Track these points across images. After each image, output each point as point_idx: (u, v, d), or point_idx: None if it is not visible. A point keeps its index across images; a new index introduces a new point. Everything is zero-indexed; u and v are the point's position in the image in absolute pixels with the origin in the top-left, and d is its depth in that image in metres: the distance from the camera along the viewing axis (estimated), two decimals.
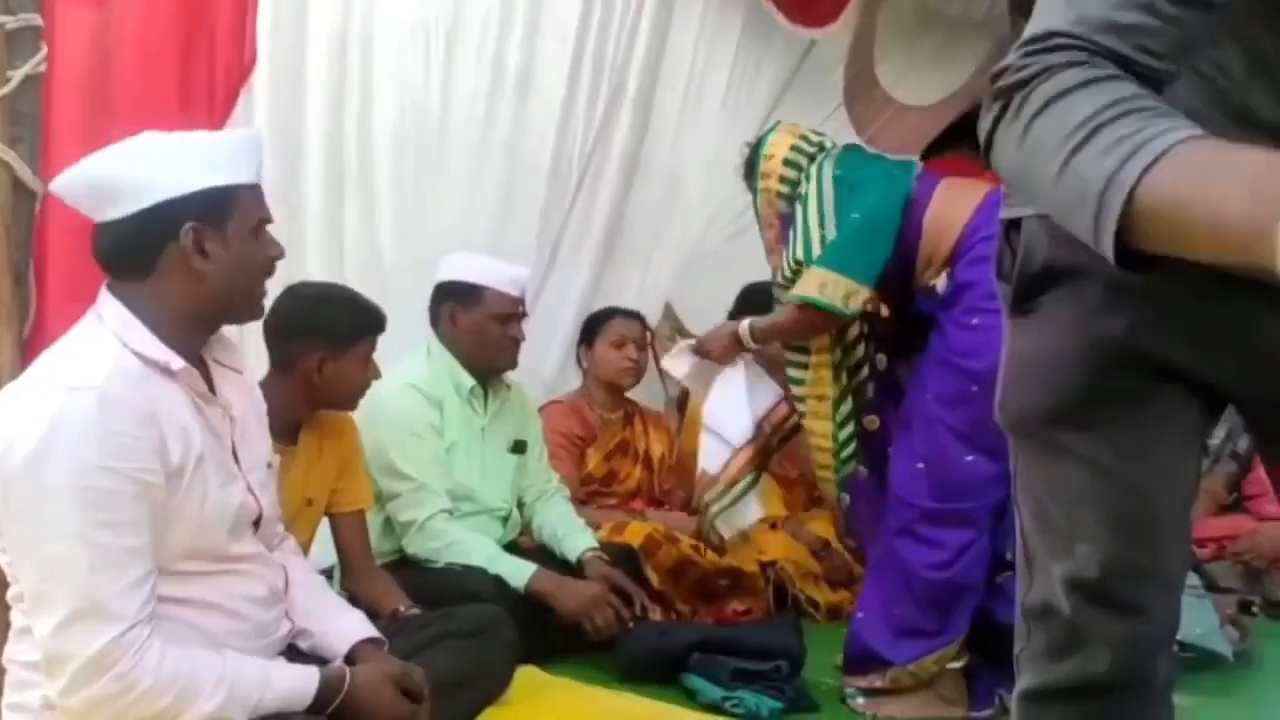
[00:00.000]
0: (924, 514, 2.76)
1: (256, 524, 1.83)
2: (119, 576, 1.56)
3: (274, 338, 2.46)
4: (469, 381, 3.09)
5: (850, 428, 3.02)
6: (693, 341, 3.37)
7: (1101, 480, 1.34)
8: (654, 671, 2.89)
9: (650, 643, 2.95)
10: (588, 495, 3.65)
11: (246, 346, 2.70)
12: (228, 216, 1.72)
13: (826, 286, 2.82)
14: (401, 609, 2.42)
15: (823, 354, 2.99)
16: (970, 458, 2.69)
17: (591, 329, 3.77)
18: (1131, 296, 1.28)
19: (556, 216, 3.90)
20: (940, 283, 2.81)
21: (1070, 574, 1.36)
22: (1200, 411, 1.36)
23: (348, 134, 3.40)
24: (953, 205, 2.83)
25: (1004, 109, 1.05)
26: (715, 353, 3.25)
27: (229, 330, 1.93)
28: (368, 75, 3.40)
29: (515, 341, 3.12)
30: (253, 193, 1.77)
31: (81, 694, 1.56)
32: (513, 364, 3.17)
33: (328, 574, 2.72)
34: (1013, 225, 1.38)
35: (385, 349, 2.68)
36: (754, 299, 3.75)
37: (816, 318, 2.89)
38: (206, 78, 2.88)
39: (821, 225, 2.88)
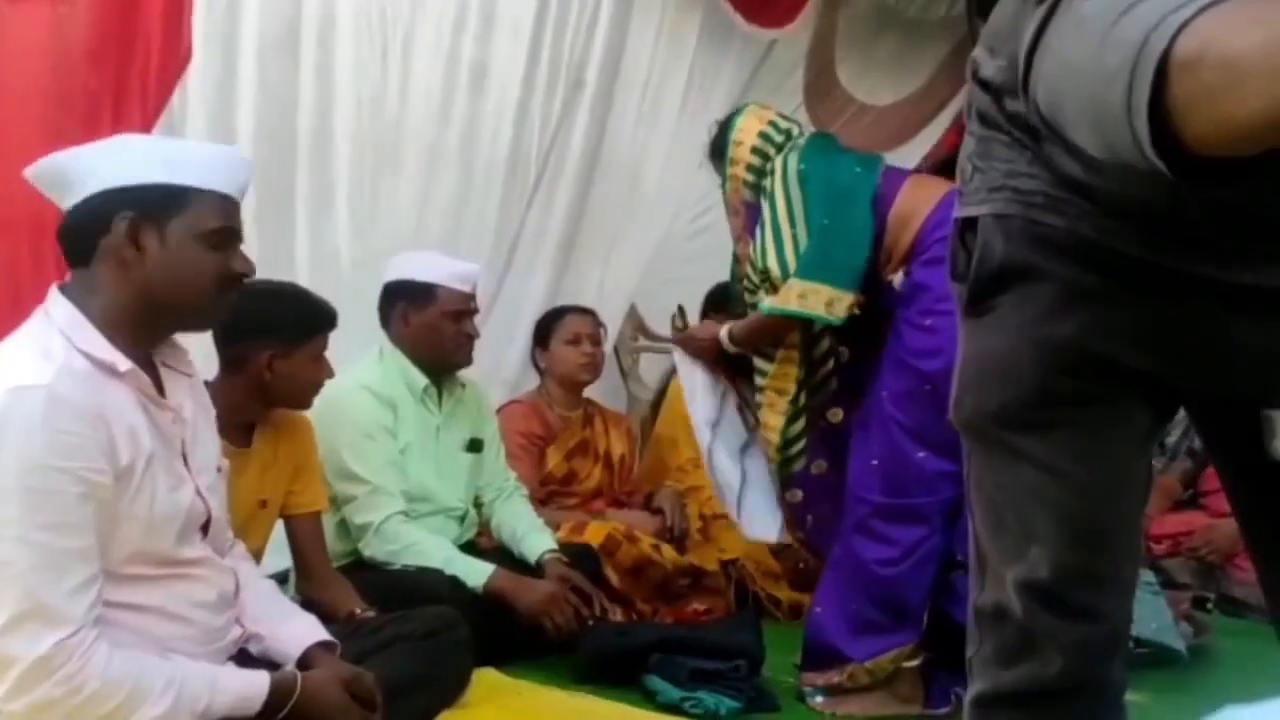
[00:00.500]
0: (876, 509, 2.77)
1: (205, 528, 1.81)
2: (64, 578, 1.54)
3: (223, 337, 2.43)
4: (422, 381, 3.07)
5: (800, 425, 3.00)
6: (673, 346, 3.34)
7: (1054, 482, 1.33)
8: (613, 672, 2.88)
9: (609, 643, 2.94)
10: (547, 495, 3.63)
11: (192, 346, 2.68)
12: (172, 215, 1.70)
13: (806, 298, 2.79)
14: (357, 611, 2.40)
15: (791, 349, 2.96)
16: (921, 454, 2.71)
17: (545, 328, 3.75)
18: (1083, 298, 1.27)
19: (514, 214, 3.89)
20: (898, 279, 2.82)
21: (1022, 577, 1.35)
22: (1152, 413, 1.36)
23: (301, 131, 3.37)
24: (915, 201, 2.83)
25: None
26: (694, 352, 3.22)
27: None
28: (325, 71, 3.37)
29: (469, 338, 3.10)
30: (214, 201, 1.73)
31: (26, 698, 1.53)
32: (467, 361, 3.15)
33: (283, 578, 2.71)
34: (968, 225, 1.36)
35: (344, 348, 2.66)
36: (721, 298, 3.76)
37: (795, 322, 2.87)
38: (140, 72, 2.85)
39: (792, 225, 2.85)
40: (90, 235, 1.69)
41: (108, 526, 1.61)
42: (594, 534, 3.35)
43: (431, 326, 3.05)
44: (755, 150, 2.98)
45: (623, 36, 4.05)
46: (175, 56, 2.82)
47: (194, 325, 1.86)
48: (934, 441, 2.68)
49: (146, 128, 2.79)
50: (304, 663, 1.88)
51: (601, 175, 4.13)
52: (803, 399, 2.98)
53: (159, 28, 2.72)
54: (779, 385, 3.00)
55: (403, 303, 3.07)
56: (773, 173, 2.91)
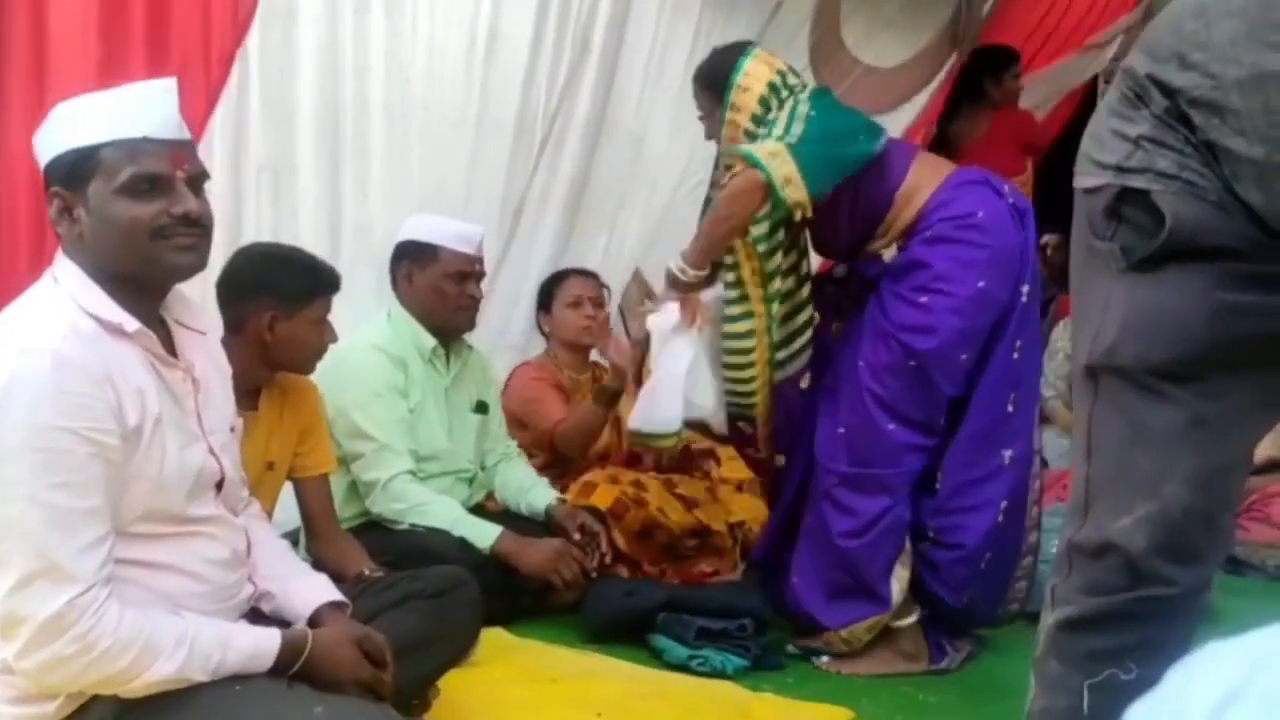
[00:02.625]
0: (842, 479, 2.78)
1: (219, 486, 1.82)
2: (74, 537, 1.55)
3: (225, 299, 2.44)
4: (430, 342, 3.09)
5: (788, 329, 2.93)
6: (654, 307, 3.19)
7: (1202, 430, 1.47)
8: (620, 632, 2.91)
9: (616, 603, 2.97)
10: (555, 458, 3.65)
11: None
12: (89, 178, 1.65)
13: (775, 157, 2.67)
14: (366, 571, 2.42)
15: (756, 287, 2.88)
16: (892, 427, 2.72)
17: (547, 292, 3.77)
18: (1257, 278, 1.42)
19: (520, 179, 3.89)
20: (889, 253, 2.80)
21: (1154, 513, 1.48)
22: None
23: (342, 100, 3.43)
24: (921, 179, 2.81)
25: None
26: (656, 296, 3.07)
27: (192, 290, 1.91)
28: (362, 38, 3.41)
29: (472, 300, 3.10)
30: (124, 150, 1.65)
31: (38, 656, 1.54)
32: (470, 324, 3.16)
33: (293, 537, 2.73)
34: (1122, 196, 1.48)
35: (352, 313, 2.67)
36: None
37: (751, 193, 2.70)
38: (201, 37, 2.88)
39: (787, 132, 2.76)
40: (51, 211, 1.70)
41: (117, 487, 1.61)
42: (601, 498, 3.37)
43: (434, 287, 3.06)
44: (762, 100, 2.84)
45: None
46: (234, 22, 2.84)
47: (159, 279, 1.74)
48: (907, 416, 2.71)
49: (211, 100, 2.83)
50: (314, 621, 1.89)
51: (607, 139, 4.13)
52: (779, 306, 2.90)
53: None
54: (750, 328, 2.92)
55: (407, 262, 3.10)
56: (777, 121, 2.80)
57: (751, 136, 2.83)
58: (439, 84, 3.64)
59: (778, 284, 2.88)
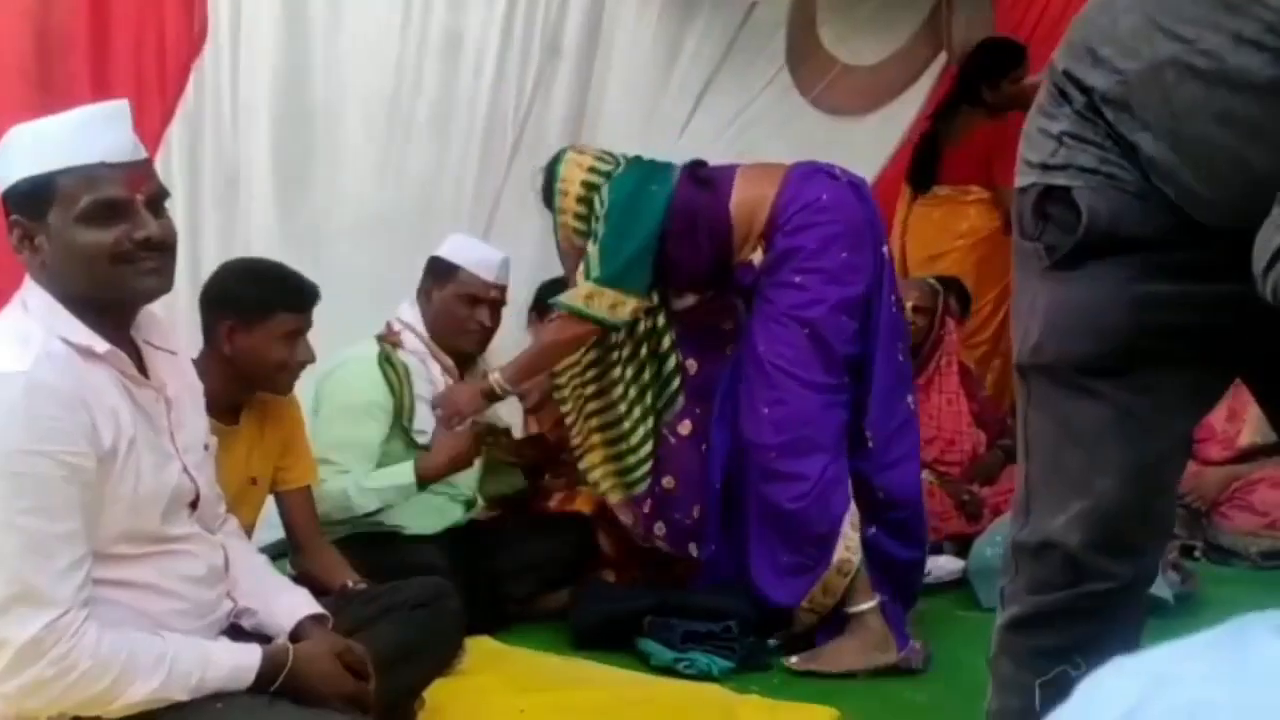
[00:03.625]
0: (777, 449, 2.90)
1: (194, 505, 1.82)
2: (51, 561, 1.55)
3: (200, 310, 2.45)
4: (446, 361, 3.09)
5: (648, 445, 3.16)
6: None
7: (1130, 424, 1.48)
8: (608, 638, 2.92)
9: (603, 610, 2.98)
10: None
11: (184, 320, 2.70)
12: (48, 206, 1.64)
13: (593, 298, 2.94)
14: (350, 584, 2.42)
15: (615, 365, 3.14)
16: (805, 391, 2.89)
17: (543, 299, 3.73)
18: (1175, 269, 1.42)
19: (492, 183, 3.90)
20: (756, 256, 2.99)
21: (1087, 509, 1.49)
22: (1220, 377, 1.54)
23: (311, 102, 3.43)
24: (756, 187, 3.02)
25: None
26: (462, 415, 3.04)
27: (162, 310, 1.91)
28: (326, 47, 3.41)
29: (481, 326, 3.10)
30: (80, 177, 1.64)
31: (17, 680, 1.55)
32: (476, 348, 3.16)
33: (278, 549, 2.73)
34: (1047, 193, 1.49)
35: (317, 325, 2.67)
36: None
37: (580, 330, 3.00)
38: (156, 54, 2.87)
39: (595, 242, 3.01)
40: (12, 241, 1.69)
41: (93, 509, 1.61)
42: (585, 503, 3.37)
43: (446, 306, 3.08)
44: (580, 199, 3.09)
45: (600, 1, 4.04)
46: (188, 37, 2.82)
47: (124, 302, 1.74)
48: (813, 380, 2.89)
49: (167, 113, 2.82)
50: (296, 635, 1.89)
51: (584, 143, 4.12)
52: (636, 416, 3.13)
53: (170, 10, 2.73)
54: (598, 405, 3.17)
55: (430, 278, 3.12)
56: (596, 217, 3.04)
57: (580, 234, 3.09)
58: (402, 89, 3.63)
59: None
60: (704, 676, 2.75)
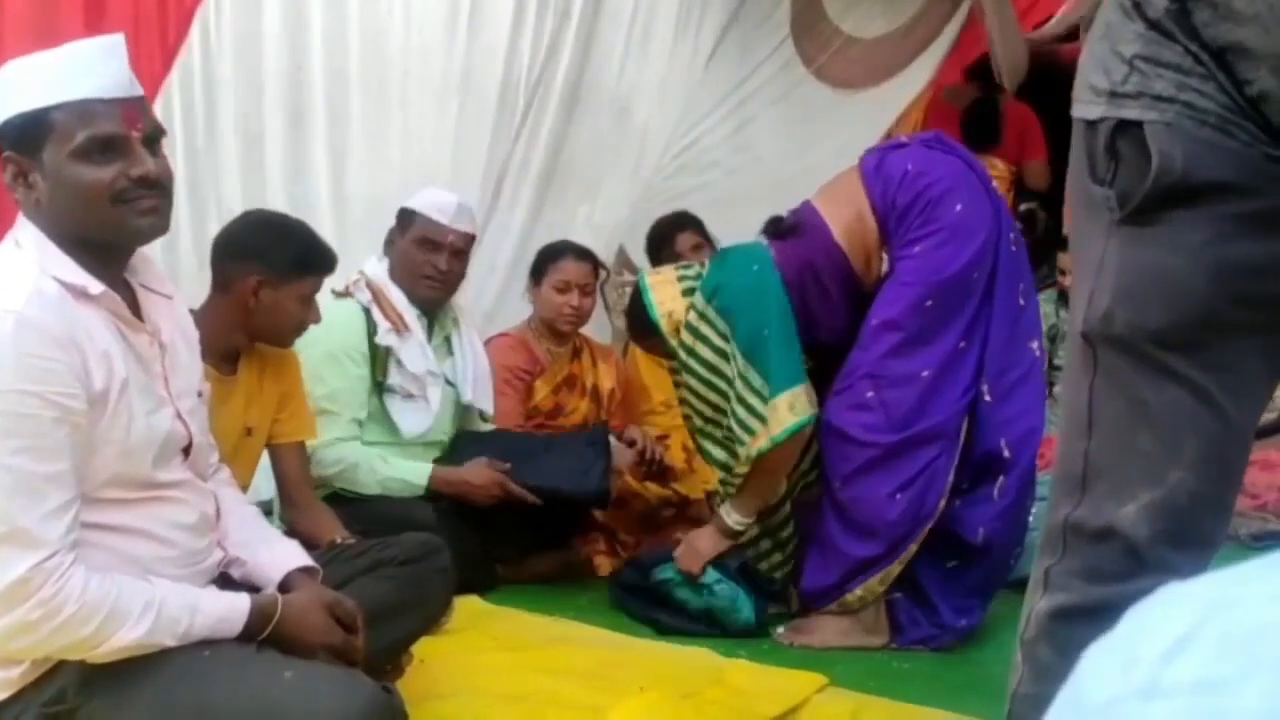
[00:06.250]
0: (886, 449, 2.74)
1: (186, 451, 1.81)
2: (40, 503, 1.54)
3: (217, 257, 2.44)
4: (412, 311, 3.07)
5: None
6: None
7: (1206, 409, 1.33)
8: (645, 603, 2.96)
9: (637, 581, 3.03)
10: (534, 429, 3.64)
11: (187, 267, 2.67)
12: (42, 143, 1.62)
13: (795, 405, 2.74)
14: (339, 539, 2.42)
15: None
16: (925, 373, 2.72)
17: (541, 264, 3.68)
18: (1264, 225, 1.26)
19: (502, 149, 3.88)
20: (884, 266, 2.82)
21: (1158, 500, 1.35)
22: None
23: (311, 66, 3.39)
24: (846, 204, 2.84)
25: None
26: (705, 561, 2.91)
27: (155, 254, 1.90)
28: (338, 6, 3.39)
29: (436, 270, 3.06)
30: (77, 112, 1.61)
31: (3, 622, 1.54)
32: (433, 294, 3.11)
33: (267, 508, 2.72)
34: (1120, 128, 1.32)
35: (329, 281, 2.66)
36: (662, 239, 3.82)
37: (797, 440, 2.78)
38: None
39: (729, 359, 2.79)
40: (5, 175, 1.67)
41: (83, 452, 1.60)
42: None
43: (404, 252, 3.06)
44: (689, 307, 2.87)
45: None
46: None
47: (121, 242, 1.73)
48: (931, 345, 2.72)
49: (168, 59, 2.79)
50: (284, 587, 1.88)
51: (586, 109, 4.11)
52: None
53: None
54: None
55: (395, 227, 3.12)
56: (698, 338, 2.84)
57: (718, 352, 2.82)
58: (419, 52, 3.61)
59: None
60: (730, 603, 2.84)
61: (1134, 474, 1.37)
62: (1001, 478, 2.78)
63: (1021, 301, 2.82)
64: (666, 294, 2.91)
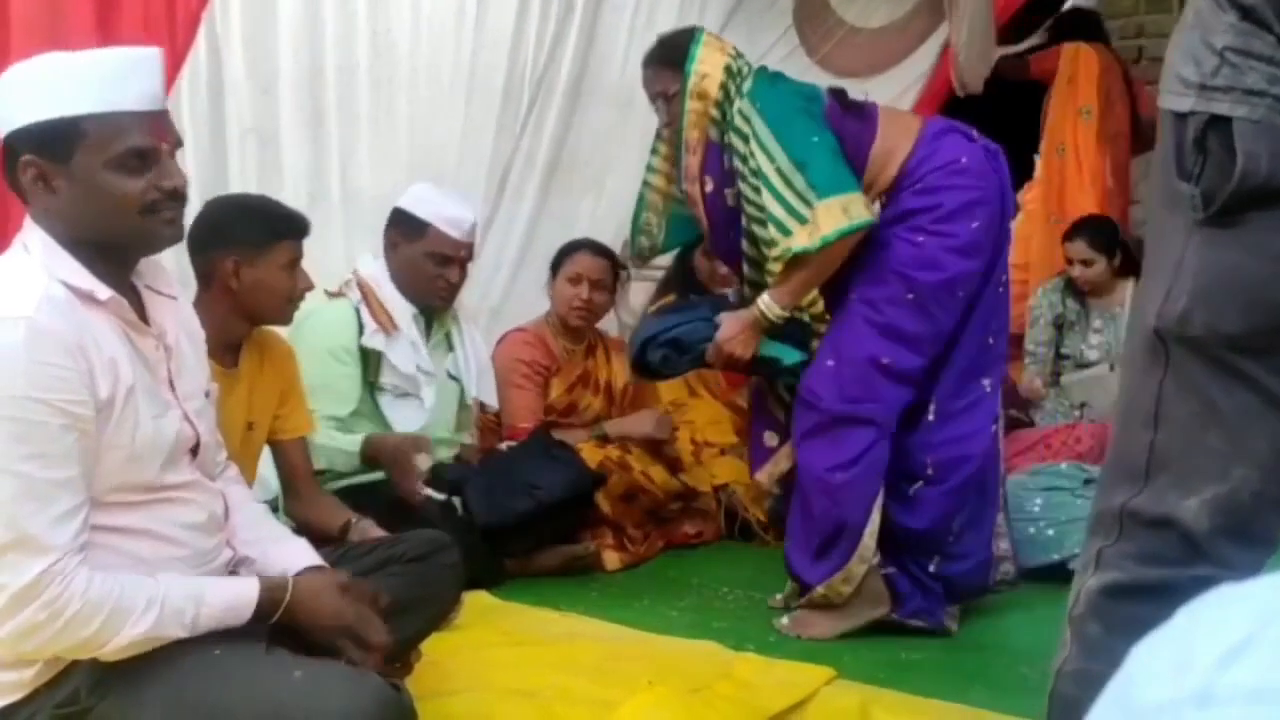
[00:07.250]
0: (832, 418, 2.78)
1: (194, 452, 1.81)
2: (48, 508, 1.55)
3: (193, 253, 2.44)
4: (410, 309, 3.08)
5: None
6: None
7: (1277, 414, 1.35)
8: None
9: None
10: (547, 426, 3.64)
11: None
12: (73, 150, 1.63)
13: (849, 209, 2.68)
14: (352, 520, 2.43)
15: None
16: (885, 359, 2.75)
17: (559, 259, 3.69)
18: None
19: (508, 143, 3.88)
20: (874, 209, 2.81)
21: (1222, 496, 1.37)
22: None
23: (320, 62, 3.41)
24: (895, 136, 2.84)
25: None
26: (738, 353, 2.91)
27: (166, 258, 1.90)
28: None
29: (449, 284, 3.10)
30: (115, 123, 1.63)
31: (9, 624, 1.55)
32: (441, 304, 3.16)
33: (273, 506, 2.73)
34: (1211, 123, 1.30)
35: (341, 277, 2.67)
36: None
37: (848, 241, 2.72)
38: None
39: (774, 160, 2.74)
40: (14, 178, 1.67)
41: (91, 458, 1.61)
42: (589, 454, 3.37)
43: (414, 263, 3.07)
44: (722, 86, 2.85)
45: None
46: None
47: (140, 250, 1.76)
48: (901, 340, 2.75)
49: (177, 60, 2.79)
50: None
51: (590, 100, 4.10)
52: None
53: None
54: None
55: (396, 231, 3.10)
56: (733, 125, 2.82)
57: (715, 125, 2.85)
58: (427, 48, 3.61)
59: None
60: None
61: (1199, 469, 1.38)
62: (920, 483, 2.82)
63: (990, 340, 2.85)
64: (713, 61, 2.86)
